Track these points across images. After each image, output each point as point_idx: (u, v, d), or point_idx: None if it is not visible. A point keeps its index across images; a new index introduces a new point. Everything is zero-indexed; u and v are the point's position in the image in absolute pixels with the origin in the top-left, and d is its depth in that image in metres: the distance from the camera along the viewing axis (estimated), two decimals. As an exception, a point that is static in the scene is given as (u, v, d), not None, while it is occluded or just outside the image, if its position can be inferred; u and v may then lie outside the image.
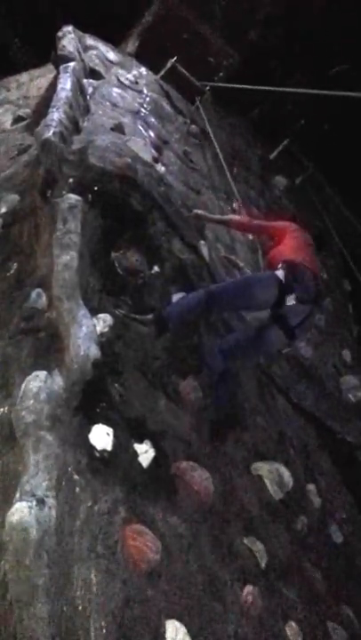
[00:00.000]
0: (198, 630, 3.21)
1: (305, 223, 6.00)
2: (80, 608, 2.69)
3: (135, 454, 3.68)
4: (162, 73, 10.35)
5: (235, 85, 8.97)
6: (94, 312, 4.15)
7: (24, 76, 11.01)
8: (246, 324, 5.69)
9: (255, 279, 4.97)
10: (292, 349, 5.89)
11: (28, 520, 2.69)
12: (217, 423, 4.69)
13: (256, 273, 5.02)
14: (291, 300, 4.70)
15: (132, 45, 11.32)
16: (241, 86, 8.72)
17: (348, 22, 11.69)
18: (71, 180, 4.83)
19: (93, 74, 7.76)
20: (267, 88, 8.25)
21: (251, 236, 7.62)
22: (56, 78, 6.58)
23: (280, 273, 4.77)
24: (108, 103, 7.16)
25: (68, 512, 2.97)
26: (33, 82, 10.45)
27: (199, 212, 6.16)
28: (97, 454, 3.41)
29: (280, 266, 4.87)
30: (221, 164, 8.69)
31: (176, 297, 4.84)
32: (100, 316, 4.18)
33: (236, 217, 6.16)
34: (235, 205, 6.85)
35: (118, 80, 8.33)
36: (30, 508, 2.74)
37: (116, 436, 3.58)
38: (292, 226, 5.57)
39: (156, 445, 3.84)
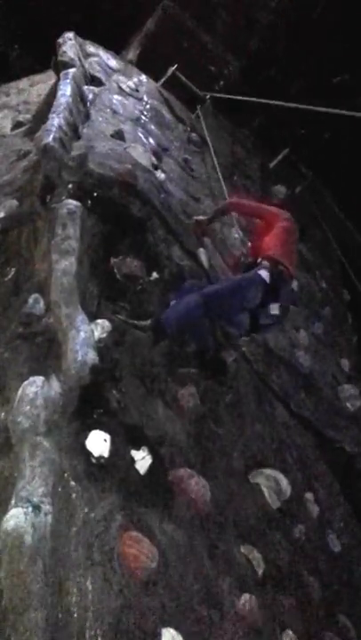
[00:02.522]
0: (195, 638, 3.19)
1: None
2: (76, 615, 2.66)
3: (132, 461, 3.67)
4: (162, 80, 10.37)
5: (235, 97, 8.97)
6: (92, 318, 4.14)
7: (24, 82, 11.03)
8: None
9: (246, 281, 4.94)
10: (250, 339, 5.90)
11: (24, 526, 2.67)
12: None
13: (244, 274, 4.99)
14: (275, 309, 4.74)
15: (132, 53, 11.35)
16: (240, 98, 8.73)
17: (349, 31, 11.72)
18: (70, 186, 4.83)
19: (94, 80, 7.76)
20: (265, 101, 8.26)
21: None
22: (56, 84, 6.60)
23: (264, 274, 4.82)
24: (108, 110, 7.16)
25: (64, 518, 2.95)
26: (33, 87, 10.47)
27: (198, 217, 6.16)
28: (94, 460, 3.40)
29: (264, 263, 4.90)
30: (222, 172, 8.69)
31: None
32: (99, 321, 4.17)
33: (233, 199, 6.15)
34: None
35: (119, 87, 8.34)
36: (26, 513, 2.72)
37: (113, 442, 3.57)
38: (285, 214, 5.57)
39: (153, 452, 3.83)
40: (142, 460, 3.72)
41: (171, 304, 4.82)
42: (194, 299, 4.65)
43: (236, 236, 7.47)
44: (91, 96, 7.07)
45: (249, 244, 7.10)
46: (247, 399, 5.45)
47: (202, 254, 6.00)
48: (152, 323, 4.57)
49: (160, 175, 6.47)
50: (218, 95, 10.53)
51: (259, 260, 5.06)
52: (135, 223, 5.17)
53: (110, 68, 8.95)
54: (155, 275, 5.08)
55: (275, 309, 4.77)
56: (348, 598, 5.11)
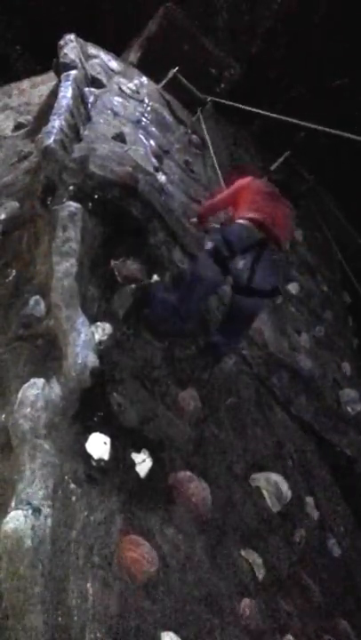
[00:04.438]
0: (195, 643, 3.18)
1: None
2: (75, 618, 2.65)
3: (132, 464, 3.66)
4: (163, 83, 10.39)
5: (236, 104, 8.96)
6: (93, 320, 4.13)
7: (25, 83, 11.03)
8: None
9: (194, 265, 4.90)
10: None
11: (24, 529, 2.66)
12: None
13: (193, 260, 4.97)
14: (239, 264, 4.57)
15: (134, 55, 11.37)
16: (240, 105, 8.72)
17: (349, 35, 11.75)
18: (71, 188, 4.83)
19: (95, 82, 7.76)
20: (265, 113, 8.25)
21: None
22: (57, 86, 6.59)
23: (208, 244, 4.75)
24: (109, 112, 7.16)
25: (64, 521, 2.94)
26: (34, 89, 10.47)
27: (192, 220, 6.14)
28: (94, 463, 3.40)
29: (207, 236, 4.87)
30: (222, 174, 8.69)
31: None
32: (99, 324, 4.17)
33: (200, 207, 6.08)
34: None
35: (120, 89, 8.35)
36: (26, 516, 2.72)
37: (113, 445, 3.57)
38: (245, 180, 5.40)
39: (153, 455, 3.82)
40: (142, 463, 3.71)
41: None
42: (168, 315, 4.74)
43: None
44: (92, 98, 7.07)
45: None
46: (248, 402, 5.44)
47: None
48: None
49: (161, 177, 6.47)
50: (217, 100, 10.52)
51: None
52: (136, 225, 5.16)
53: (111, 69, 8.96)
54: (155, 277, 5.08)
55: (239, 264, 4.58)
56: (349, 602, 5.09)
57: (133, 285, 4.68)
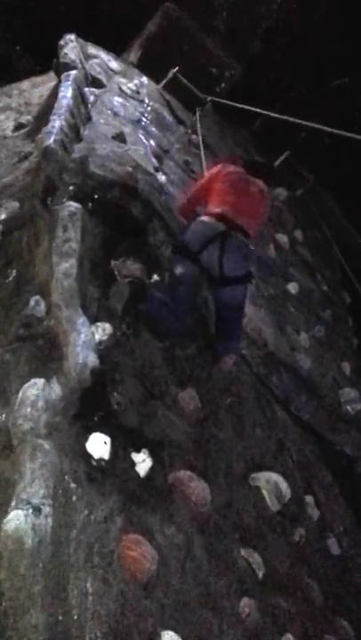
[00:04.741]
0: (194, 642, 3.19)
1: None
2: (75, 617, 2.66)
3: (132, 463, 3.67)
4: (163, 83, 10.39)
5: (236, 104, 8.97)
6: (93, 320, 4.14)
7: (25, 84, 11.03)
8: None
9: (171, 266, 5.02)
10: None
11: (24, 528, 2.67)
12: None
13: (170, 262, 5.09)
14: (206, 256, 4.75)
15: (134, 55, 11.37)
16: (241, 105, 8.72)
17: (349, 34, 11.75)
18: (71, 188, 4.83)
19: (95, 82, 7.78)
20: (265, 112, 8.25)
21: None
22: (57, 86, 6.59)
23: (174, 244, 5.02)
24: (109, 112, 7.17)
25: (65, 521, 2.95)
26: (34, 89, 10.47)
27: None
28: (94, 463, 3.40)
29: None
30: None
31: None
32: (99, 324, 4.18)
33: (178, 204, 6.13)
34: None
35: (120, 89, 8.36)
36: (26, 516, 2.72)
37: (113, 444, 3.57)
38: (215, 169, 5.49)
39: (153, 455, 3.83)
40: (142, 462, 3.72)
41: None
42: (162, 315, 4.81)
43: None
44: (92, 98, 7.08)
45: None
46: (247, 402, 5.45)
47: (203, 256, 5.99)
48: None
49: (161, 177, 6.48)
50: (217, 100, 10.53)
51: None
52: (136, 225, 5.17)
53: (111, 69, 8.98)
54: (155, 277, 5.08)
55: (205, 256, 4.75)
56: (349, 602, 5.10)
57: (127, 280, 4.71)
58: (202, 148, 8.63)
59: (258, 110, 8.36)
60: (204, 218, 4.93)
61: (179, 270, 4.82)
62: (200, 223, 4.90)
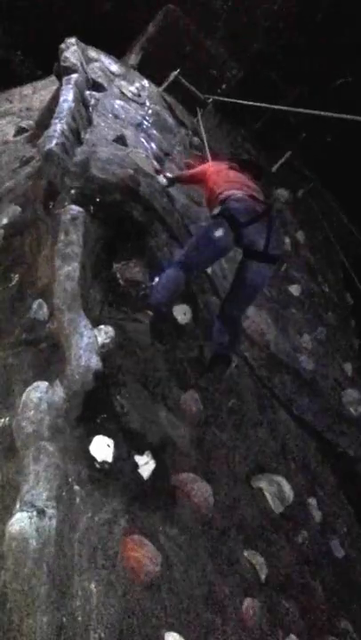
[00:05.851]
0: (198, 643, 3.20)
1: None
2: (80, 619, 2.67)
3: (135, 466, 3.68)
4: (165, 85, 10.40)
5: (238, 101, 8.97)
6: (95, 323, 4.15)
7: (27, 88, 11.04)
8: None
9: (207, 228, 4.99)
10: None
11: (28, 530, 2.68)
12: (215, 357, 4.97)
13: (203, 224, 5.13)
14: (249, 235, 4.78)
15: (134, 58, 11.36)
16: (244, 102, 8.72)
17: (350, 34, 11.75)
18: (73, 192, 4.85)
19: (96, 86, 7.80)
20: (266, 105, 8.26)
21: None
22: (59, 90, 6.62)
23: (217, 210, 4.93)
24: (110, 115, 7.19)
25: (68, 523, 2.96)
26: (36, 94, 10.48)
27: (166, 173, 6.46)
28: (97, 465, 3.41)
29: (214, 209, 5.01)
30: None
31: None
32: (102, 327, 4.19)
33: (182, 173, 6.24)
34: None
35: (121, 92, 8.37)
36: (30, 518, 2.74)
37: (116, 447, 3.58)
38: (209, 164, 5.78)
39: (156, 457, 3.83)
40: (145, 464, 3.73)
41: (153, 285, 4.90)
42: (172, 270, 4.79)
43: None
44: (93, 101, 7.11)
45: None
46: (250, 404, 5.45)
47: None
48: (151, 317, 4.67)
49: (162, 180, 6.49)
50: (219, 99, 10.54)
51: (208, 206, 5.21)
52: (137, 228, 5.19)
53: (112, 72, 8.98)
54: (157, 280, 5.09)
55: (251, 232, 4.78)
56: (352, 603, 5.10)
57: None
58: (207, 148, 8.65)
59: (259, 104, 8.36)
60: (239, 194, 5.00)
61: (218, 233, 4.78)
62: (243, 200, 4.94)
